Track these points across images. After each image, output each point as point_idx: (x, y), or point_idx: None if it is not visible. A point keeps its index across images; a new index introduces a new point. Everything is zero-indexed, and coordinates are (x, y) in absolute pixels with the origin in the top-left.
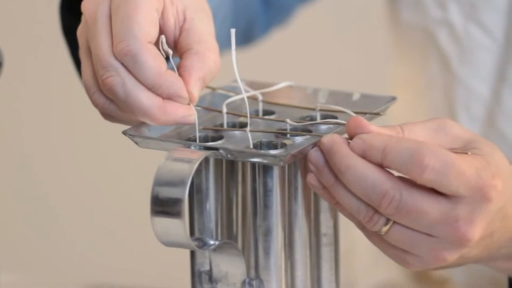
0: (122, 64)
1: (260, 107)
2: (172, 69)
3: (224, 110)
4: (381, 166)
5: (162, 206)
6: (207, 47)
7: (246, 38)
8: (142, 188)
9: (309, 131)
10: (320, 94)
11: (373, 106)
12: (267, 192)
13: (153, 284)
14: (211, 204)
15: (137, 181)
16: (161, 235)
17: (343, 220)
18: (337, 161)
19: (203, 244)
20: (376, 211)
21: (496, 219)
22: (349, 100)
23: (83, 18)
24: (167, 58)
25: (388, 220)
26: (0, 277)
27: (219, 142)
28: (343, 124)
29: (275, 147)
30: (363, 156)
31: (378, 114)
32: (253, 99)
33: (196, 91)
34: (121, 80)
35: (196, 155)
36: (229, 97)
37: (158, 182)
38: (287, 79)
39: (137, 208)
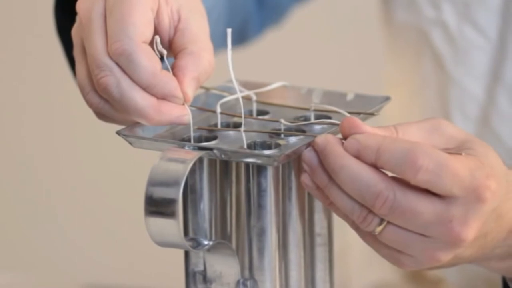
0: (117, 64)
1: (254, 107)
2: (167, 69)
3: (218, 110)
4: (375, 166)
5: (156, 207)
6: (201, 47)
7: (240, 38)
8: (141, 188)
9: (303, 131)
10: (314, 94)
11: (367, 106)
12: (261, 192)
13: (152, 284)
14: (205, 204)
15: (136, 181)
16: (155, 235)
17: (337, 220)
18: (331, 161)
19: (197, 244)
20: (370, 211)
21: (490, 220)
22: (343, 100)
23: (77, 18)
24: (161, 58)
25: (382, 220)
26: (0, 277)
27: (213, 142)
28: (337, 124)
29: (269, 147)
30: (357, 157)
31: (372, 114)
32: (247, 99)
33: (191, 91)
34: (115, 80)
35: (190, 155)
36: (223, 97)
37: (152, 182)
38: (281, 79)
39: (136, 208)
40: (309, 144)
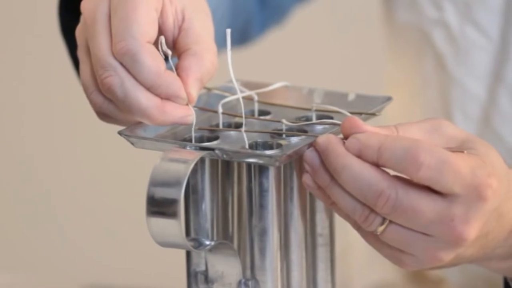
0: (121, 64)
1: (256, 107)
2: (171, 69)
3: (220, 110)
4: (376, 165)
5: (158, 207)
6: (204, 47)
7: (243, 38)
8: (142, 188)
9: (305, 132)
10: (315, 94)
11: (368, 107)
12: (262, 192)
13: (152, 283)
14: (206, 205)
15: (137, 181)
16: (156, 236)
17: (339, 220)
18: (332, 160)
19: (198, 245)
20: (371, 210)
21: (492, 219)
22: (344, 101)
23: (82, 18)
24: (166, 59)
25: (383, 220)
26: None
27: (215, 142)
28: (339, 125)
29: (270, 147)
30: (359, 156)
31: (373, 114)
32: (248, 99)
33: (195, 91)
34: (120, 80)
35: (192, 156)
36: (225, 97)
37: (154, 183)
38: (283, 79)
39: (136, 208)
40: (310, 145)
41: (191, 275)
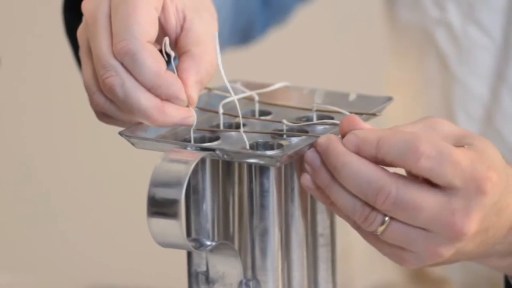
0: (122, 64)
1: (257, 107)
2: (173, 71)
3: (221, 110)
4: (375, 159)
5: (159, 207)
6: (203, 49)
7: (245, 37)
8: (142, 188)
9: (306, 132)
10: (316, 95)
11: (369, 107)
12: (263, 192)
13: (153, 284)
14: (207, 205)
15: (137, 181)
16: (157, 236)
17: (339, 220)
18: (332, 159)
19: (199, 245)
20: (372, 209)
21: (492, 213)
22: (345, 101)
23: (83, 18)
24: (169, 60)
25: (384, 220)
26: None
27: (216, 143)
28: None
29: (271, 147)
30: (357, 152)
31: (374, 114)
32: (249, 99)
33: (195, 94)
34: (120, 80)
35: (193, 156)
36: (225, 97)
37: (155, 183)
38: (284, 80)
39: (136, 208)
40: (311, 145)
41: (192, 275)
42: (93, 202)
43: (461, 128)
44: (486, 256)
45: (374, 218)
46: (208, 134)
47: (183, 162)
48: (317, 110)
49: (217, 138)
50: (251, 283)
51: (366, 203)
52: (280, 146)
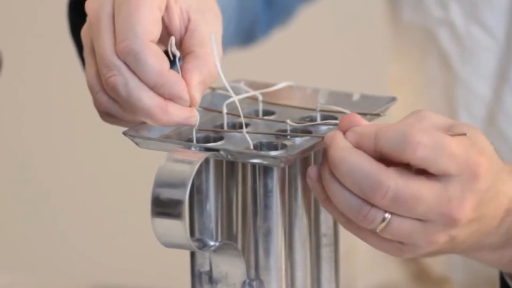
0: (125, 63)
1: (260, 107)
2: (177, 71)
3: (224, 110)
4: (374, 153)
5: (163, 207)
6: (208, 51)
7: (249, 38)
8: (143, 189)
9: (309, 132)
10: (320, 95)
11: (373, 107)
12: (267, 192)
13: (153, 284)
14: (211, 205)
15: (137, 182)
16: (161, 236)
17: None
18: (331, 154)
19: (203, 245)
20: (371, 207)
21: (485, 200)
22: (349, 101)
23: (87, 18)
24: (174, 60)
25: (384, 218)
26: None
27: (220, 143)
28: None
29: (275, 148)
30: (357, 147)
31: (378, 115)
32: (253, 99)
33: (198, 95)
34: (123, 79)
35: (197, 156)
36: (229, 97)
37: (159, 183)
38: (287, 79)
39: (137, 208)
40: (314, 145)
41: (195, 275)
42: (94, 202)
43: (449, 119)
44: (478, 249)
45: (374, 216)
46: (212, 134)
47: (187, 163)
48: (320, 110)
49: (221, 138)
50: (254, 283)
51: (365, 201)
52: (284, 146)
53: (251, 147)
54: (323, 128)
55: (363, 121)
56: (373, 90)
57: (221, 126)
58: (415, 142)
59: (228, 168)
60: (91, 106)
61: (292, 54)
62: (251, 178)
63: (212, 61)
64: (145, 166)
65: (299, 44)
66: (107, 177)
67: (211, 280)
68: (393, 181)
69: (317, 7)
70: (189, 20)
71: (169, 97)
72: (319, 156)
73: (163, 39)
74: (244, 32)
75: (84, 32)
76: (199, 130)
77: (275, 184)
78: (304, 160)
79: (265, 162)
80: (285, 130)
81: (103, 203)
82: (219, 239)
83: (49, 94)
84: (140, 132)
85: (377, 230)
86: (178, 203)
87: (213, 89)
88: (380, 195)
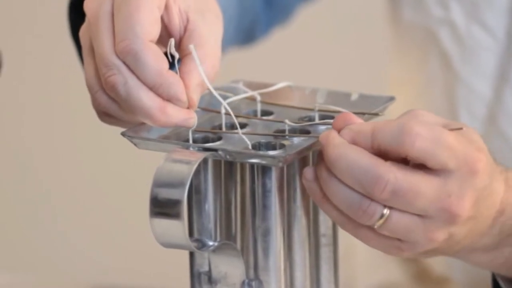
0: (124, 63)
1: (259, 107)
2: (177, 73)
3: (223, 111)
4: (371, 150)
5: (161, 208)
6: (206, 52)
7: (248, 38)
8: (143, 189)
9: (308, 132)
10: (318, 95)
11: (371, 106)
12: (266, 192)
13: (153, 284)
14: (210, 205)
15: (137, 182)
16: (160, 237)
17: None
18: (328, 152)
19: (202, 245)
20: (371, 201)
21: (482, 198)
22: (347, 101)
23: (86, 18)
24: (173, 61)
25: (383, 213)
26: (0, 277)
27: (218, 143)
28: None
29: (273, 147)
30: (353, 144)
31: (376, 114)
32: (251, 99)
33: (196, 96)
34: (123, 79)
35: (195, 156)
36: (227, 97)
37: (157, 183)
38: (286, 79)
39: (137, 208)
40: (312, 145)
41: (194, 275)
42: (93, 202)
43: (443, 118)
44: (471, 250)
45: (373, 211)
46: (211, 134)
47: (185, 163)
48: (319, 110)
49: (219, 138)
50: (253, 283)
51: (364, 196)
52: (282, 146)
53: (250, 147)
54: (322, 128)
55: (358, 120)
56: (373, 90)
57: (220, 127)
58: (413, 134)
59: (227, 168)
60: (91, 106)
61: (291, 54)
62: (249, 178)
63: (210, 63)
64: (145, 166)
65: (298, 44)
66: (106, 177)
67: (210, 280)
68: (392, 174)
69: (317, 7)
70: (188, 20)
71: (167, 98)
72: None
73: (162, 39)
74: (244, 32)
75: (83, 31)
76: (196, 131)
77: (273, 184)
78: (303, 160)
79: (263, 162)
80: (284, 130)
81: (103, 203)
82: (218, 239)
83: (49, 94)
84: (139, 133)
85: (376, 227)
86: (176, 203)
87: None
88: (379, 188)
